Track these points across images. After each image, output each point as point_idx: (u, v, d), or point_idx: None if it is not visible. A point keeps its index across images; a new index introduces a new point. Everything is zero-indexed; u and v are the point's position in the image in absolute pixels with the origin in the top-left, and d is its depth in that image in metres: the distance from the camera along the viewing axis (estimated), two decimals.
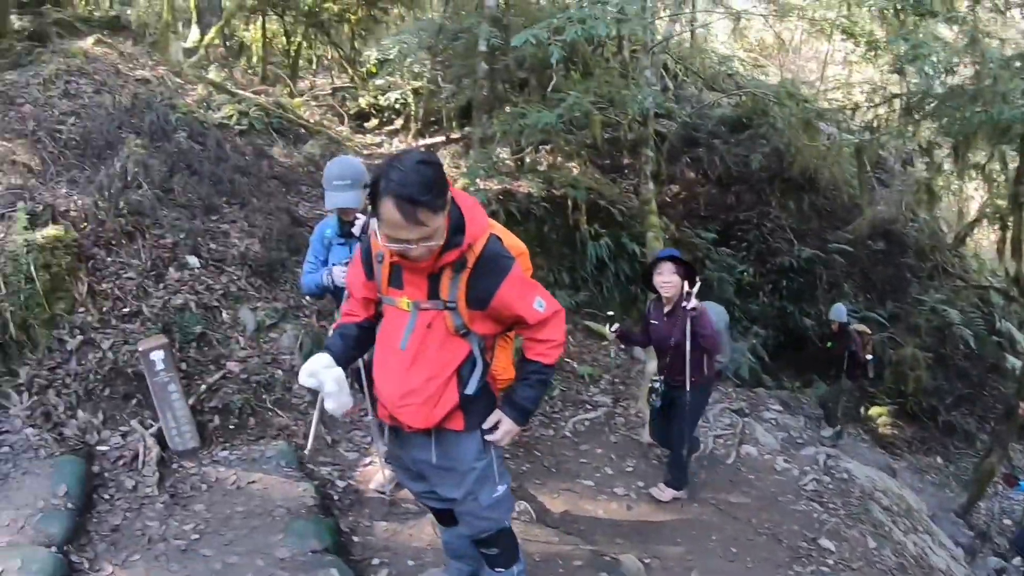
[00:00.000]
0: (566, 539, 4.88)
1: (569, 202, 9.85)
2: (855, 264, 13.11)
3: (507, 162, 10.43)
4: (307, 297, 6.39)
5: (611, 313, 5.91)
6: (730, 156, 12.81)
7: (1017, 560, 8.99)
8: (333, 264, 4.22)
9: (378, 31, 14.13)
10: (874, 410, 12.17)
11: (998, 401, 13.11)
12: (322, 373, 2.69)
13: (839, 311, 9.82)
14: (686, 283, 4.97)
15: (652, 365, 7.27)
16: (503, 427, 2.86)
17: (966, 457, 12.17)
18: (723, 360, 5.79)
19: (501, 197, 9.64)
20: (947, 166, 12.43)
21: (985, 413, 13.24)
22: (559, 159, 11.37)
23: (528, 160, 10.85)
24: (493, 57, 9.73)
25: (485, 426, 2.86)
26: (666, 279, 5.08)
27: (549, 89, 9.58)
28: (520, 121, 8.18)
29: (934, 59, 8.37)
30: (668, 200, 12.51)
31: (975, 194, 16.35)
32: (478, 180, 8.86)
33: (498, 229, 3.01)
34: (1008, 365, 13.64)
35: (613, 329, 5.63)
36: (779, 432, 8.06)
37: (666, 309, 5.23)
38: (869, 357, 9.74)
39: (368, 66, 13.92)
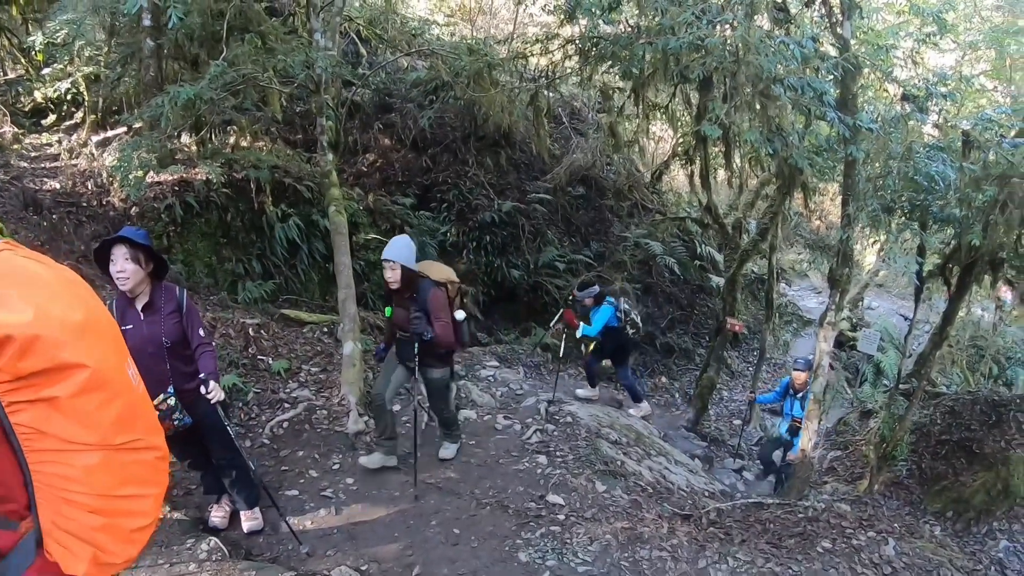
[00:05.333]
0: (265, 569, 4.23)
1: (252, 184, 8.90)
2: (556, 211, 13.37)
3: (189, 148, 9.27)
4: None
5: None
6: (424, 119, 12.42)
7: (757, 471, 9.59)
8: None
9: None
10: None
11: (708, 318, 14.10)
12: None
13: (400, 252, 5.15)
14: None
15: (349, 347, 6.60)
16: None
17: (689, 372, 12.89)
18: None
19: (177, 188, 8.58)
20: (632, 109, 12.87)
21: (699, 330, 14.18)
22: (247, 139, 10.27)
23: (215, 143, 9.69)
24: (160, 32, 8.44)
25: None
26: (119, 268, 3.80)
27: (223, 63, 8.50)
28: (162, 100, 7.02)
29: None
30: (364, 170, 11.94)
31: (667, 134, 17.41)
32: (151, 172, 7.67)
33: None
34: (712, 284, 14.74)
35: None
36: (498, 388, 7.84)
37: (140, 304, 4.01)
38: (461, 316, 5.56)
39: (35, 53, 11.70)
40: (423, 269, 5.27)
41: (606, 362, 9.08)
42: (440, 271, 5.41)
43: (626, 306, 8.36)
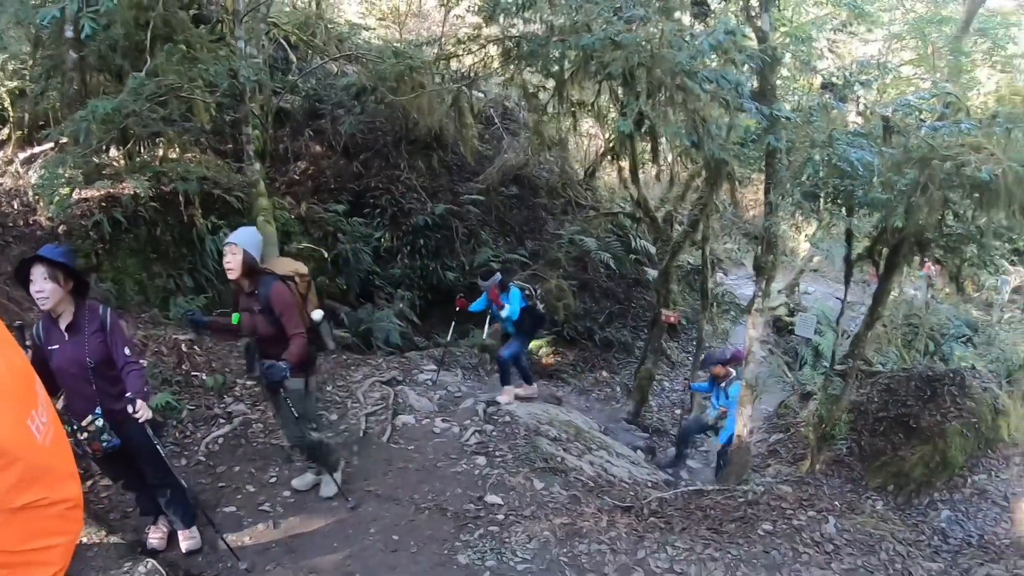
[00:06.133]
0: None
1: (181, 197, 8.69)
2: (490, 212, 13.36)
3: (117, 162, 9.02)
4: None
5: None
6: (355, 124, 12.37)
7: (672, 450, 9.72)
8: None
9: None
10: (534, 344, 12.26)
11: (646, 311, 14.21)
12: None
13: (244, 238, 4.72)
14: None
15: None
16: None
17: (628, 365, 12.98)
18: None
19: (104, 204, 8.32)
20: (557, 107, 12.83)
21: (637, 323, 14.28)
22: (176, 151, 10.01)
23: (143, 156, 9.44)
24: (82, 44, 8.19)
25: None
26: (38, 288, 3.78)
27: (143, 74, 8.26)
28: (85, 114, 6.82)
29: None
30: (296, 178, 11.78)
31: (599, 131, 17.48)
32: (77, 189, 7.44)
33: None
34: (649, 277, 14.85)
35: None
36: (436, 391, 7.82)
37: (63, 324, 3.95)
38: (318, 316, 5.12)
39: None
40: (269, 266, 4.88)
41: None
42: (286, 265, 5.01)
43: (526, 284, 8.34)
